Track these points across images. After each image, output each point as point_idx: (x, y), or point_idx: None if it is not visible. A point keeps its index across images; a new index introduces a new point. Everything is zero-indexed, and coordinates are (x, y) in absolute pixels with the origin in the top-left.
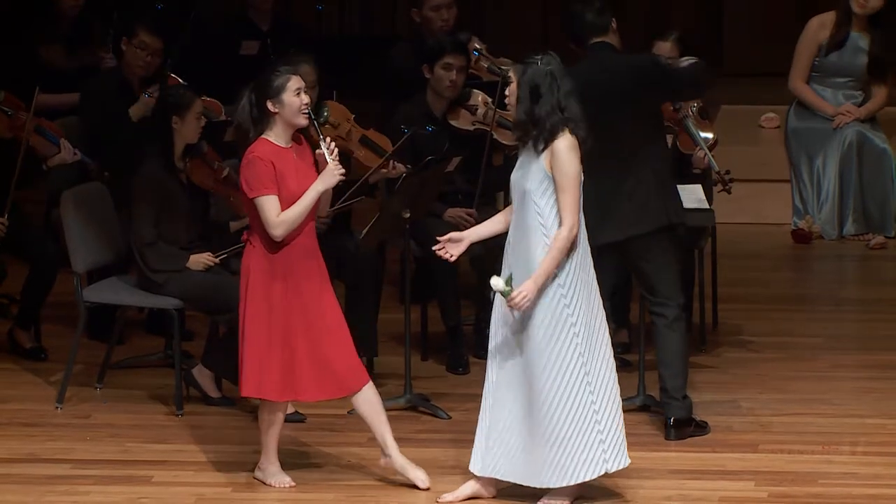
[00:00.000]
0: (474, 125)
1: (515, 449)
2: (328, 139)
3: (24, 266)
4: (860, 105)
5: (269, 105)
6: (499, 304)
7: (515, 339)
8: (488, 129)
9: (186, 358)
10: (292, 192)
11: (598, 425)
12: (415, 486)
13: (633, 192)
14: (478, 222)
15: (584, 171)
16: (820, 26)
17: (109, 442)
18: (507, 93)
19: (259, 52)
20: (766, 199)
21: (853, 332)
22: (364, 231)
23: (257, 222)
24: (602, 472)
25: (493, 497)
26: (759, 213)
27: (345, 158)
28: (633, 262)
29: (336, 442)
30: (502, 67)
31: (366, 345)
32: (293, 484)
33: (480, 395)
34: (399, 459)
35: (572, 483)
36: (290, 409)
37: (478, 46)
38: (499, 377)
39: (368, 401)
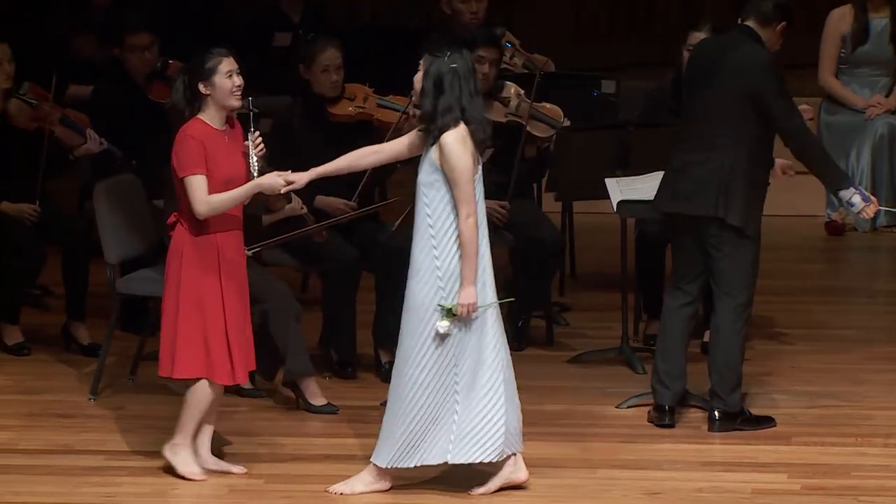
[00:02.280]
0: (507, 117)
1: None
2: (256, 134)
3: (58, 258)
4: (889, 94)
5: (201, 87)
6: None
7: (402, 326)
8: (522, 121)
9: None
10: (222, 174)
11: (455, 416)
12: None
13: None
14: (510, 215)
15: (686, 139)
16: (840, 17)
17: (142, 433)
18: (414, 81)
19: (291, 44)
20: (799, 191)
21: (886, 323)
22: (396, 223)
23: (186, 203)
24: (441, 461)
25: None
26: (792, 205)
27: (366, 125)
28: (703, 246)
29: (369, 433)
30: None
31: (395, 335)
32: (205, 477)
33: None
34: (210, 458)
35: (413, 465)
36: (323, 401)
37: (511, 40)
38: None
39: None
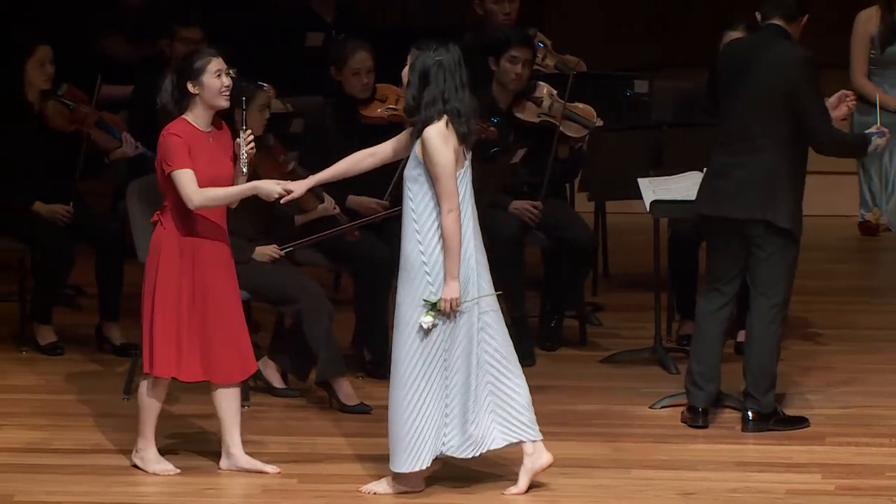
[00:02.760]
0: (540, 117)
1: None
2: (248, 132)
3: (92, 258)
4: None
5: (190, 86)
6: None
7: (395, 322)
8: (555, 121)
9: (253, 349)
10: (203, 175)
11: (446, 409)
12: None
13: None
14: (543, 215)
15: (726, 141)
16: (867, 19)
17: (175, 433)
18: (402, 75)
19: (324, 44)
20: (833, 191)
21: None
22: None
23: (171, 200)
24: (438, 453)
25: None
26: (826, 205)
27: (398, 126)
28: (747, 247)
29: (374, 433)
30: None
31: None
32: (177, 471)
33: (547, 387)
34: (243, 458)
35: (421, 468)
36: (356, 401)
37: (543, 41)
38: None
39: (232, 397)
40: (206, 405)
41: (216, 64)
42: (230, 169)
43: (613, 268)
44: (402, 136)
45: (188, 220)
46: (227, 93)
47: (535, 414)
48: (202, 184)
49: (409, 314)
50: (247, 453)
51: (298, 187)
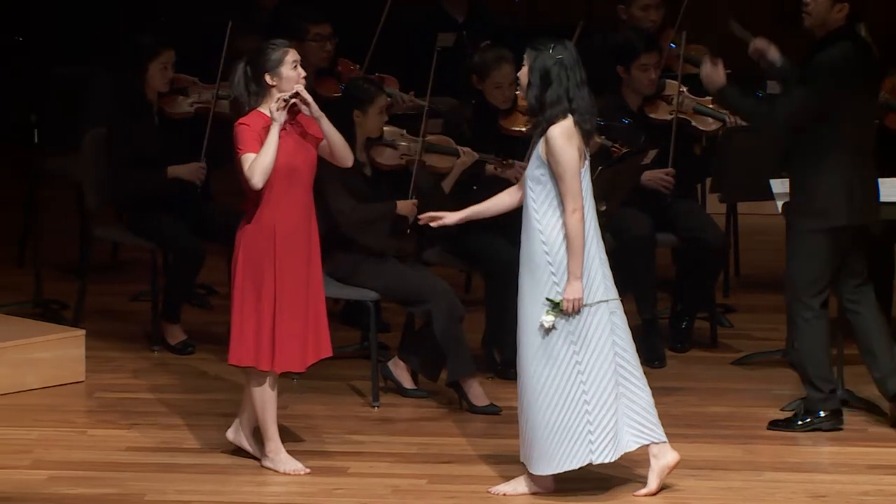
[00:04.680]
0: (671, 115)
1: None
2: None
3: (222, 258)
4: None
5: (268, 78)
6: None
7: (518, 324)
8: (686, 116)
9: (382, 350)
10: (280, 165)
11: (588, 416)
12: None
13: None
14: (674, 216)
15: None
16: None
17: (306, 433)
18: (518, 75)
19: (455, 44)
20: None
21: None
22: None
23: (246, 191)
24: (587, 463)
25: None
26: None
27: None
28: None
29: (504, 433)
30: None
31: None
32: (307, 470)
33: (678, 389)
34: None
35: (556, 472)
36: (486, 402)
37: (675, 41)
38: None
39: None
40: (325, 404)
41: (293, 55)
42: (311, 155)
43: (744, 269)
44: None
45: (267, 208)
46: (304, 84)
47: (666, 416)
48: (280, 173)
49: (535, 315)
50: (372, 452)
51: (450, 218)
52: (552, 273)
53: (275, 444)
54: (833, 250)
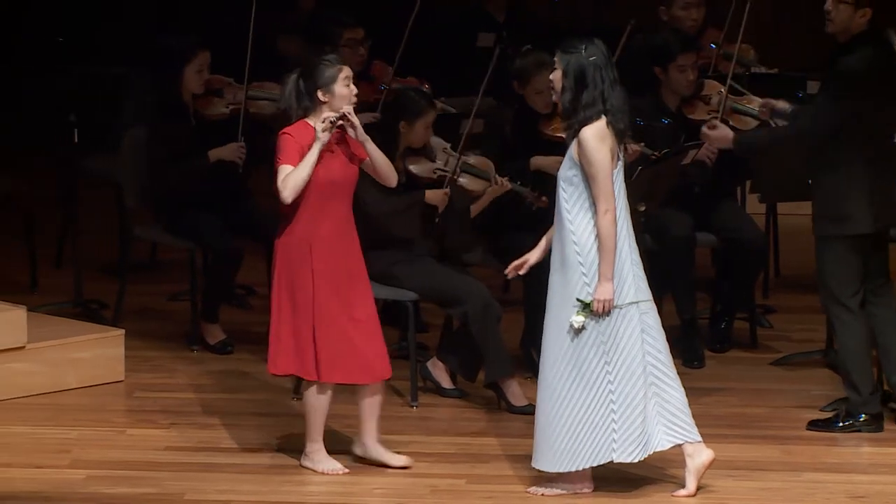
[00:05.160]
0: (709, 115)
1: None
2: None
3: (262, 258)
4: None
5: (320, 94)
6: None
7: (546, 323)
8: (724, 116)
9: (421, 350)
10: (318, 176)
11: (613, 414)
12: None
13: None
14: (714, 216)
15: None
16: None
17: (344, 432)
18: (550, 79)
19: (494, 44)
20: None
21: None
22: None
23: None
24: (607, 461)
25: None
26: None
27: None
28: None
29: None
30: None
31: None
32: (346, 470)
33: (717, 390)
34: (377, 448)
35: (576, 469)
36: (525, 402)
37: (716, 41)
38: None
39: (370, 393)
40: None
41: (346, 72)
42: (353, 171)
43: (784, 269)
44: None
45: (303, 220)
46: (355, 101)
47: (705, 416)
48: (317, 187)
49: (564, 315)
50: (411, 452)
51: (533, 257)
52: (583, 274)
53: (317, 446)
54: (859, 253)
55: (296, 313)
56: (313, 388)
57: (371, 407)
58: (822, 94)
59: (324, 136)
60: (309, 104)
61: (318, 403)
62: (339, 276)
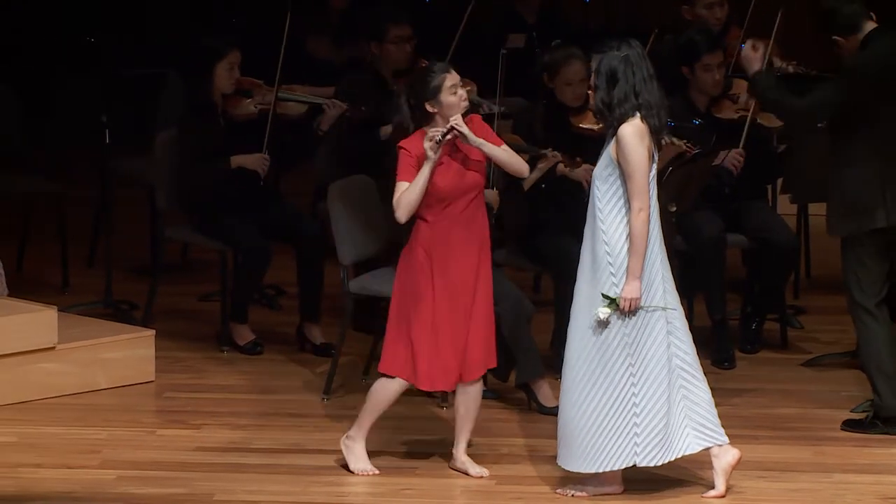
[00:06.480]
0: (738, 113)
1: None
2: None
3: (292, 258)
4: None
5: (428, 106)
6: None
7: (571, 320)
8: (751, 113)
9: None
10: (437, 186)
11: (635, 418)
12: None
13: None
14: (745, 217)
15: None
16: None
17: (375, 433)
18: (589, 84)
19: (525, 45)
20: None
21: None
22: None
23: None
24: (630, 465)
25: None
26: None
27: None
28: None
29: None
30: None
31: None
32: (377, 471)
33: (747, 391)
34: (462, 457)
35: (598, 471)
36: (555, 403)
37: (744, 40)
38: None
39: (473, 394)
40: (394, 404)
41: (451, 79)
42: (473, 177)
43: (815, 270)
44: None
45: (423, 229)
46: (466, 105)
47: (736, 417)
48: (439, 195)
49: (590, 314)
50: (441, 453)
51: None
52: (612, 273)
53: (360, 434)
54: (878, 251)
55: (412, 319)
56: (391, 387)
57: (468, 407)
58: (830, 80)
59: (434, 156)
60: (422, 118)
61: (384, 398)
62: (467, 282)
